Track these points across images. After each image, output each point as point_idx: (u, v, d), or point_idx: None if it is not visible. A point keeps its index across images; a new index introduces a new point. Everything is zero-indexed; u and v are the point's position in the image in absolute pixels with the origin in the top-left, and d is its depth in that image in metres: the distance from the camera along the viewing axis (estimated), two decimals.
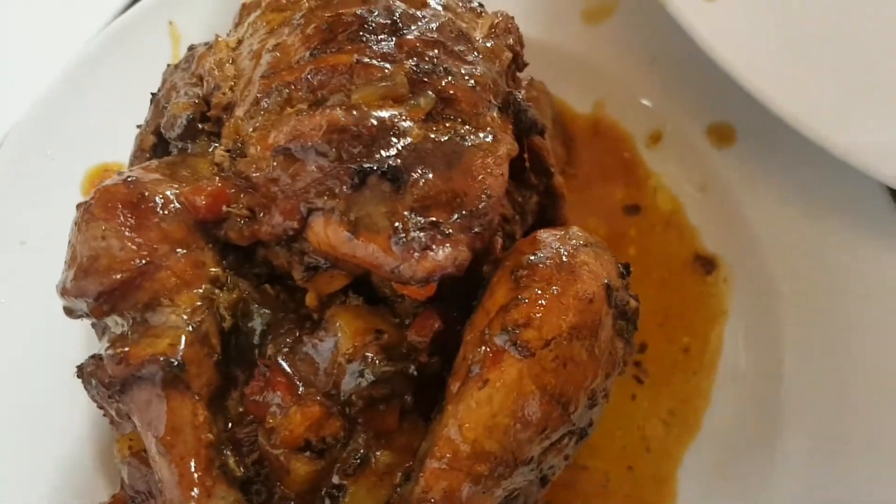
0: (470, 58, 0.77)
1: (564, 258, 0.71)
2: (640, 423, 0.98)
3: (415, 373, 0.70)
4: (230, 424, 0.70)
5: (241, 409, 0.71)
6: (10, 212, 1.00)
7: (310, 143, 0.69)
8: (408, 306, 0.73)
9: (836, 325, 0.95)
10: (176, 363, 0.68)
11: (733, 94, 1.02)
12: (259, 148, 0.73)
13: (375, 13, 0.76)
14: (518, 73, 0.88)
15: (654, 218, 1.08)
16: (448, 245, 0.66)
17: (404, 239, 0.66)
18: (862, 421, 0.89)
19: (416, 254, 0.65)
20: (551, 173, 0.86)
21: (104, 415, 0.78)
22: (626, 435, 0.97)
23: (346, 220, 0.67)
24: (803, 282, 0.99)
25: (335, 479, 0.69)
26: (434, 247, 0.66)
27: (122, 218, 0.71)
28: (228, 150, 0.75)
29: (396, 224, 0.66)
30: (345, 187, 0.67)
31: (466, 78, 0.74)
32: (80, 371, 0.75)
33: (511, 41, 0.83)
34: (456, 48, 0.77)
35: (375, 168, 0.67)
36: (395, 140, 0.69)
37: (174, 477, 0.66)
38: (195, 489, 0.65)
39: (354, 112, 0.70)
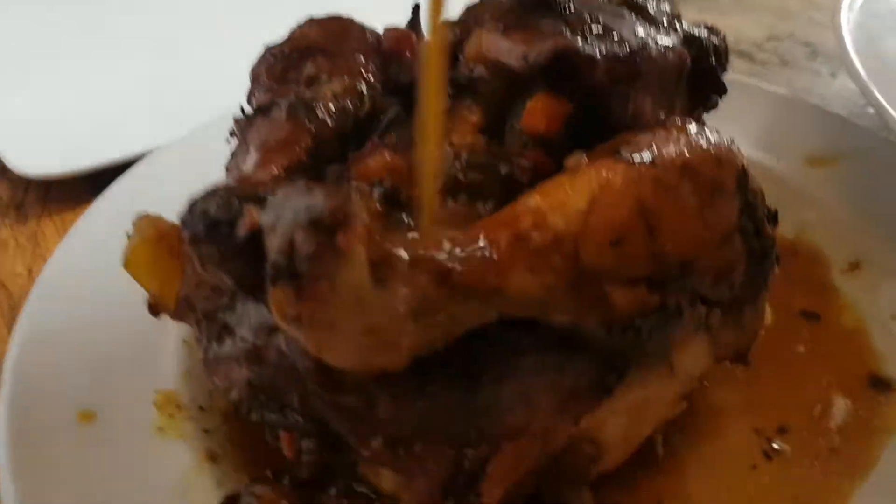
0: (668, 11, 0.84)
1: (699, 127, 0.69)
2: (752, 494, 0.79)
3: (506, 172, 0.68)
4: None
5: None
6: None
7: None
8: None
9: None
10: (312, 101, 0.74)
11: None
12: None
13: None
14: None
15: (833, 330, 0.97)
16: (587, 44, 0.69)
17: (544, 31, 0.70)
18: None
19: (550, 38, 0.69)
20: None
21: None
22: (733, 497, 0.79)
23: (501, 24, 0.73)
24: None
25: None
26: (573, 37, 0.69)
27: (325, 23, 0.85)
28: None
29: (544, 24, 0.71)
30: (507, 3, 0.75)
31: (657, 8, 0.81)
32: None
33: (717, 41, 0.89)
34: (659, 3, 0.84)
35: None
36: None
37: (251, 157, 0.68)
38: (271, 168, 0.67)
39: None
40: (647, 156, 0.64)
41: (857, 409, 0.87)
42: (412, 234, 0.60)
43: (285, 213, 0.51)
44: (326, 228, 0.49)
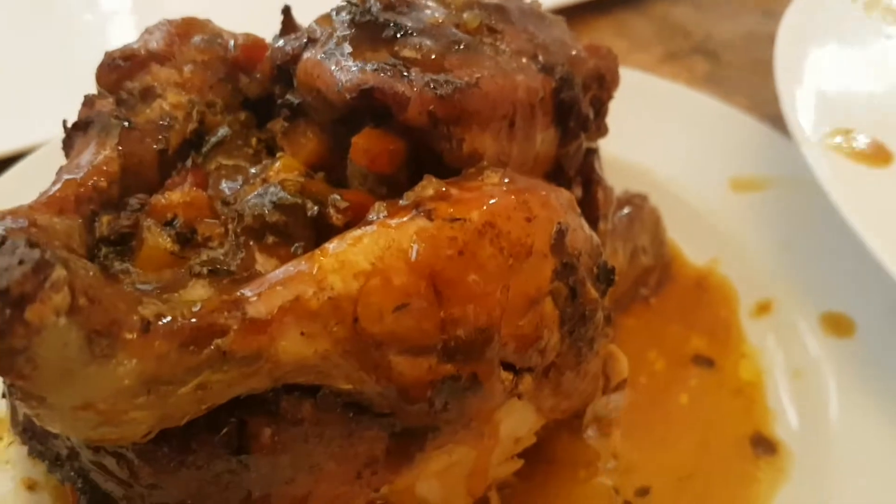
0: (534, 29, 0.78)
1: (522, 179, 0.65)
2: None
3: (314, 215, 0.65)
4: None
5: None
6: None
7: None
8: None
9: None
10: (128, 122, 0.71)
11: (867, 288, 0.92)
12: None
13: None
14: (599, 120, 0.85)
15: (725, 380, 0.92)
16: (401, 82, 0.64)
17: (364, 64, 0.66)
18: None
19: (357, 74, 0.64)
20: (594, 180, 0.79)
21: None
22: None
23: (329, 46, 0.69)
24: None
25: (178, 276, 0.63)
26: (385, 74, 0.64)
27: (172, 28, 0.80)
28: None
29: (370, 57, 0.67)
30: (345, 24, 0.70)
31: (522, 30, 0.76)
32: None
33: (601, 66, 0.83)
34: (525, 21, 0.79)
35: (380, 15, 0.69)
36: (416, 15, 0.72)
37: (47, 191, 0.65)
38: (52, 205, 0.64)
39: None
40: (447, 211, 0.60)
41: (730, 474, 0.83)
42: (161, 294, 0.56)
43: None
44: (14, 300, 0.46)
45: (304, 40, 0.72)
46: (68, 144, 0.74)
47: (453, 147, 0.68)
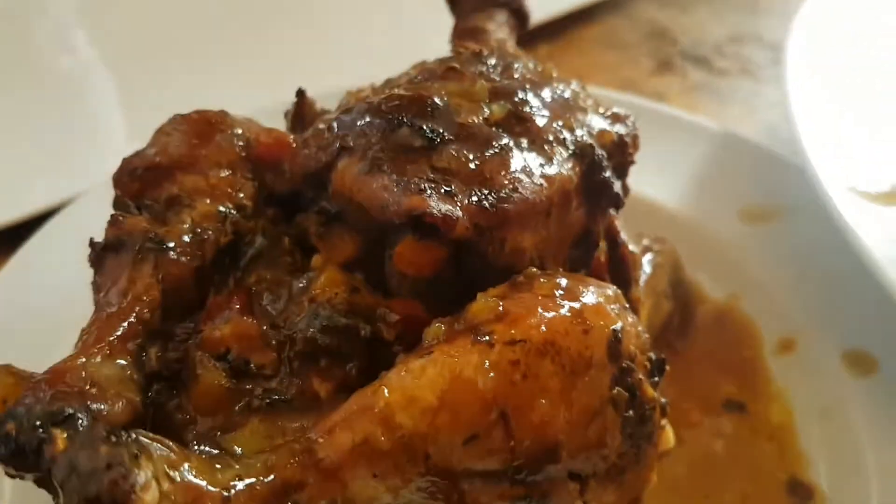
0: (556, 106, 0.79)
1: (576, 284, 0.66)
2: None
3: (368, 335, 0.66)
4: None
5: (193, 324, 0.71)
6: None
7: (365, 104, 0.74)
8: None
9: None
10: (162, 244, 0.71)
11: (886, 324, 0.95)
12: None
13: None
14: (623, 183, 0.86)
15: (758, 425, 0.95)
16: (447, 200, 0.65)
17: (408, 182, 0.66)
18: None
19: (409, 196, 0.65)
20: (619, 243, 0.81)
21: None
22: None
23: (367, 160, 0.69)
24: None
25: (237, 413, 0.64)
26: (431, 193, 0.65)
27: (190, 127, 0.80)
28: None
29: (410, 170, 0.67)
30: (378, 132, 0.71)
31: (546, 112, 0.77)
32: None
33: (624, 132, 0.84)
34: (546, 99, 0.80)
35: (414, 122, 0.70)
36: (445, 115, 0.72)
37: (95, 331, 0.65)
38: (100, 345, 0.64)
39: (422, 91, 0.75)
40: (505, 332, 0.61)
41: None
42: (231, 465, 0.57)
43: (71, 482, 0.49)
44: None
45: (337, 147, 0.72)
46: (98, 266, 0.74)
47: (496, 249, 0.70)
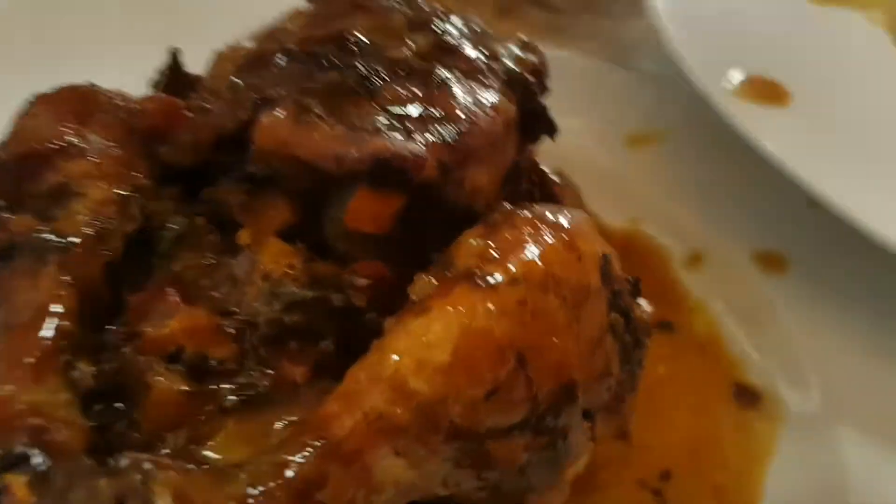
0: (471, 35, 0.74)
1: (552, 214, 0.62)
2: None
3: (341, 304, 0.58)
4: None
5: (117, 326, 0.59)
6: None
7: (280, 47, 0.66)
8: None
9: None
10: (63, 241, 0.59)
11: (786, 221, 1.00)
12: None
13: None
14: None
15: (688, 340, 0.96)
16: (408, 142, 0.59)
17: (361, 127, 0.59)
18: None
19: (366, 138, 0.58)
20: (544, 174, 0.78)
21: None
22: None
23: (298, 107, 0.61)
24: (865, 422, 0.84)
25: (206, 419, 0.55)
26: (390, 134, 0.58)
27: (61, 107, 0.67)
28: None
29: (354, 114, 0.60)
30: (303, 78, 0.62)
31: (468, 43, 0.72)
32: None
33: (535, 59, 0.81)
34: (465, 29, 0.75)
35: (343, 62, 0.62)
36: (373, 53, 0.65)
37: (7, 354, 0.53)
38: (23, 371, 0.52)
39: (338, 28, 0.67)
40: (504, 273, 0.56)
41: (731, 433, 0.88)
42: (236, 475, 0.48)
43: None
44: None
45: (255, 100, 0.63)
46: None
47: (456, 190, 0.64)
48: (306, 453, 0.49)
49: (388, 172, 0.58)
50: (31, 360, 0.52)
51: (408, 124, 0.60)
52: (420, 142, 0.59)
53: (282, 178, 0.63)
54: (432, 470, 0.53)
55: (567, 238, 0.59)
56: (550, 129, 0.75)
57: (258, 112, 0.63)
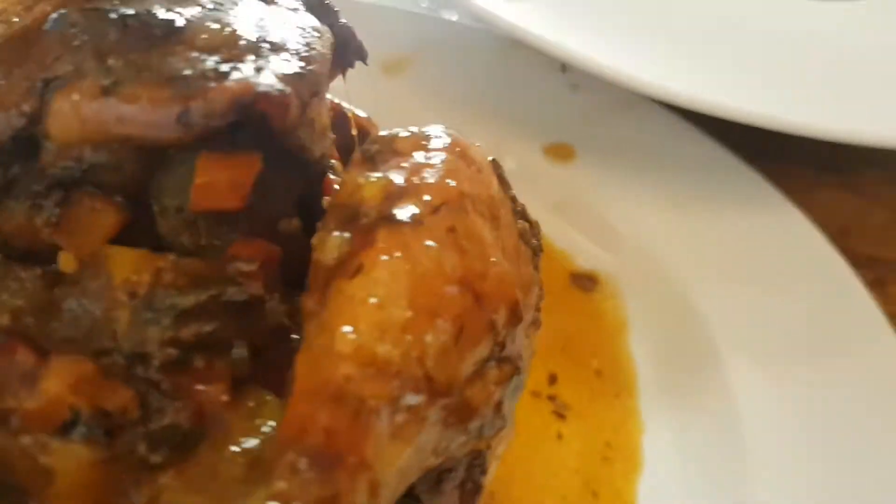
0: None
1: (427, 131, 0.56)
2: (576, 465, 0.77)
3: (241, 297, 0.48)
4: None
5: None
6: None
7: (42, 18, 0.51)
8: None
9: (753, 293, 0.86)
10: None
11: (564, 113, 1.02)
12: None
13: None
14: None
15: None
16: (261, 78, 0.49)
17: (188, 75, 0.48)
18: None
19: (210, 83, 0.47)
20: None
21: None
22: (565, 483, 0.75)
23: (98, 75, 0.48)
24: (693, 271, 0.90)
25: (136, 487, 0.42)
26: (234, 72, 0.48)
27: None
28: None
29: (170, 65, 0.48)
30: (94, 42, 0.49)
31: None
32: None
33: None
34: None
35: (128, 12, 0.50)
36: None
37: None
38: None
39: None
40: (420, 204, 0.49)
41: (586, 321, 0.89)
42: None
43: None
44: None
45: (40, 85, 0.49)
46: None
47: (309, 134, 0.55)
48: (309, 476, 0.40)
49: (251, 120, 0.48)
50: None
51: (240, 62, 0.50)
52: (271, 77, 0.49)
53: (99, 171, 0.50)
54: (423, 441, 0.46)
55: (460, 150, 0.54)
56: (361, 52, 0.68)
57: (47, 100, 0.49)
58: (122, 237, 0.51)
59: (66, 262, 0.50)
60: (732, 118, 0.91)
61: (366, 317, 0.44)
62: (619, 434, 0.79)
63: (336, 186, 0.55)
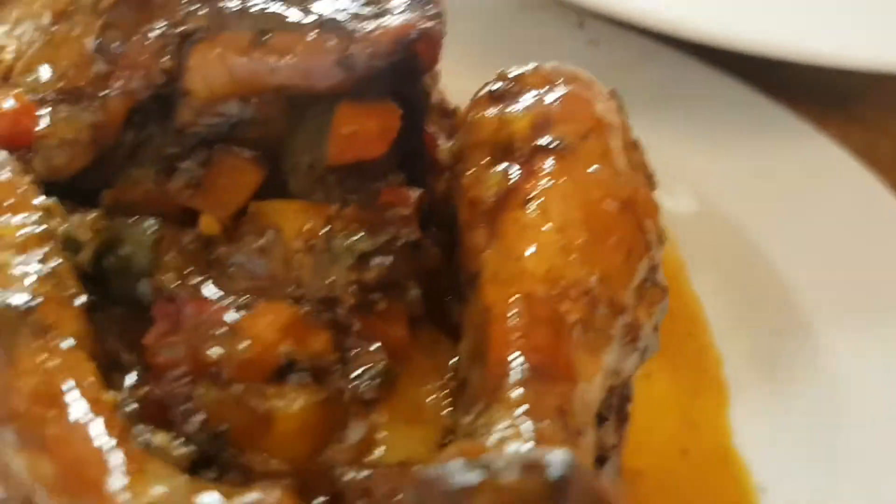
0: None
1: (551, 67, 0.57)
2: (670, 401, 0.78)
3: (413, 238, 0.48)
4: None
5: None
6: None
7: None
8: None
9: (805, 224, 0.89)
10: (24, 303, 0.40)
11: (584, 68, 1.03)
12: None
13: None
14: None
15: None
16: (403, 14, 0.49)
17: (338, 22, 0.48)
18: None
19: (366, 24, 0.47)
20: None
21: None
22: (665, 419, 0.77)
23: (248, 33, 0.48)
24: (740, 205, 0.93)
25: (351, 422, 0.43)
26: (385, 14, 0.49)
27: None
28: None
29: (315, 14, 0.48)
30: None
31: None
32: None
33: None
34: None
35: None
36: None
37: (74, 459, 0.36)
38: (121, 469, 0.35)
39: None
40: (571, 133, 0.50)
41: None
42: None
43: None
44: None
45: (176, 40, 0.48)
46: None
47: (434, 83, 0.56)
48: (533, 387, 0.40)
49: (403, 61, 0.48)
50: (119, 456, 0.36)
51: (385, 5, 0.50)
52: (419, 17, 0.49)
53: (244, 127, 0.50)
54: (608, 359, 0.47)
55: (585, 81, 0.55)
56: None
57: (183, 53, 0.48)
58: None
59: (209, 225, 0.50)
60: (745, 49, 0.93)
61: (548, 241, 0.45)
62: (700, 368, 0.81)
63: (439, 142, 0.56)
